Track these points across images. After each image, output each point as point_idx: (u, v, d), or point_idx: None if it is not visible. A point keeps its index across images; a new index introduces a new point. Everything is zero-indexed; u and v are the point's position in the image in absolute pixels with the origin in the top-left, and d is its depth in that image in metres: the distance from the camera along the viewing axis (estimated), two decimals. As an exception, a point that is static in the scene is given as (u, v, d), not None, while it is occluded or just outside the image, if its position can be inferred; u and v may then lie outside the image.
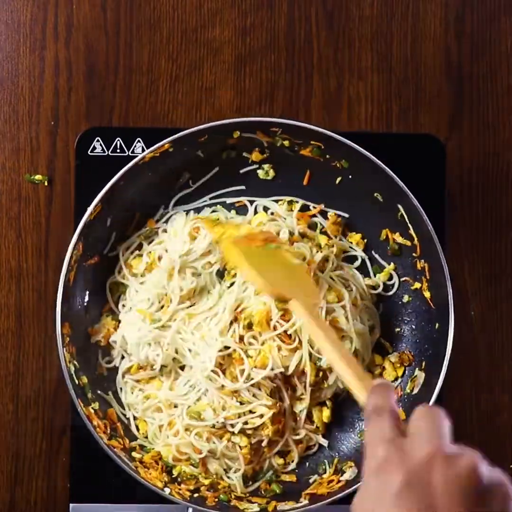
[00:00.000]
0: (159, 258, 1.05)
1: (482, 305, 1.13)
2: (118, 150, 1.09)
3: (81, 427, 1.00)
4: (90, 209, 1.00)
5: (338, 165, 1.06)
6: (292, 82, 1.13)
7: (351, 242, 1.09)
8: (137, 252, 1.07)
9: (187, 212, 1.08)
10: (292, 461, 1.06)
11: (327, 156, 1.05)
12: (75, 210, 1.08)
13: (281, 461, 1.06)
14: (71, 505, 1.07)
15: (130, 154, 1.09)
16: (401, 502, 0.61)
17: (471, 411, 1.12)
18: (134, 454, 1.03)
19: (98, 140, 1.09)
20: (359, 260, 1.09)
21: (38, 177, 1.10)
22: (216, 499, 1.02)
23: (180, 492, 1.01)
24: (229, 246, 1.00)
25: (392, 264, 1.08)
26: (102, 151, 1.09)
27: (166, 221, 1.08)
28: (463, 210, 1.13)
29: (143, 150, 1.07)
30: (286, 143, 1.05)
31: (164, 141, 1.00)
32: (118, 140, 1.09)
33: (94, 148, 1.09)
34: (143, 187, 1.05)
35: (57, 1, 1.12)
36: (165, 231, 1.07)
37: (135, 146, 1.09)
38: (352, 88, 1.14)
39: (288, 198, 1.09)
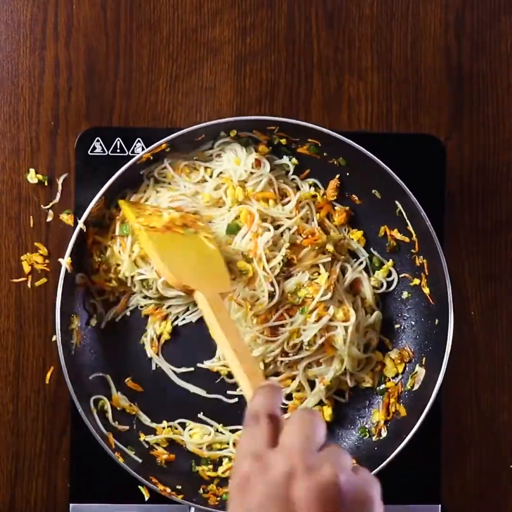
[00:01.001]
0: (217, 176, 1.05)
1: (482, 305, 1.13)
2: (118, 150, 1.09)
3: (81, 427, 1.00)
4: (89, 209, 1.00)
5: (335, 162, 1.06)
6: (292, 82, 1.13)
7: (352, 239, 1.09)
8: (186, 162, 1.06)
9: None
10: None
11: (325, 154, 1.05)
12: (75, 210, 1.08)
13: None
14: (71, 505, 1.07)
15: (130, 154, 1.09)
16: None
17: (471, 411, 1.12)
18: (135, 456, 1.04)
19: (98, 140, 1.09)
20: (364, 264, 1.09)
21: (38, 177, 1.10)
22: (219, 499, 1.02)
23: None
24: (141, 234, 1.00)
25: (390, 260, 1.09)
26: (102, 151, 1.09)
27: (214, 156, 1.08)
28: (463, 210, 1.13)
29: (143, 150, 1.08)
30: (283, 141, 1.06)
31: (161, 141, 1.01)
32: (118, 140, 1.09)
33: (94, 148, 1.09)
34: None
35: (57, 1, 1.12)
36: (219, 155, 1.07)
37: (135, 146, 1.09)
38: (352, 88, 1.14)
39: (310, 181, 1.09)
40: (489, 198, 1.13)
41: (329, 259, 1.05)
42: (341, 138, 1.01)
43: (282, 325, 1.03)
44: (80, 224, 1.01)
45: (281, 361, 1.05)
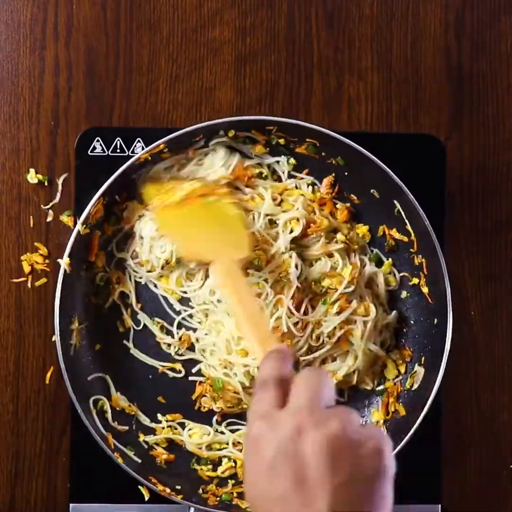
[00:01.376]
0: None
1: (482, 305, 1.13)
2: (118, 150, 1.09)
3: (81, 427, 1.00)
4: (88, 210, 1.01)
5: (334, 162, 1.06)
6: (292, 82, 1.13)
7: (358, 234, 1.09)
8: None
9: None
10: None
11: (323, 153, 1.06)
12: (75, 210, 1.08)
13: None
14: (71, 505, 1.07)
15: (130, 154, 1.09)
16: (274, 479, 0.61)
17: (471, 411, 1.12)
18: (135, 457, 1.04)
19: (98, 140, 1.09)
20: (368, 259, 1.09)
21: (38, 177, 1.10)
22: (218, 499, 1.02)
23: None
24: (159, 213, 1.01)
25: (390, 259, 1.09)
26: (102, 151, 1.09)
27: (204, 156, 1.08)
28: (463, 210, 1.13)
29: (143, 150, 1.08)
30: (281, 141, 1.06)
31: (159, 141, 1.01)
32: (118, 140, 1.09)
33: (94, 148, 1.09)
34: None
35: (57, 1, 1.12)
36: (200, 163, 1.07)
37: (135, 146, 1.09)
38: (352, 88, 1.13)
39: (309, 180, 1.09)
40: (489, 198, 1.13)
41: (341, 245, 1.05)
42: (339, 138, 1.01)
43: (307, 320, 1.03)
44: (79, 225, 1.01)
45: (304, 360, 1.04)
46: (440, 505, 1.09)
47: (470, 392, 1.12)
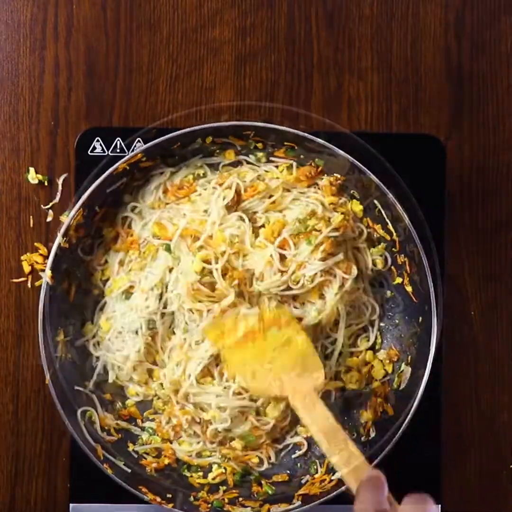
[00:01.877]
0: None
1: (482, 305, 1.13)
2: (118, 150, 1.09)
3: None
4: (67, 223, 1.00)
5: (312, 164, 1.06)
6: (292, 82, 1.13)
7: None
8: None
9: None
10: None
11: (301, 156, 1.05)
12: (75, 210, 1.08)
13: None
14: (71, 505, 1.07)
15: (130, 154, 1.08)
16: None
17: (471, 411, 1.12)
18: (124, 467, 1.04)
19: (98, 140, 1.09)
20: (365, 234, 1.08)
21: (38, 177, 1.10)
22: (209, 506, 1.02)
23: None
24: (226, 356, 1.00)
25: (382, 244, 1.08)
26: (102, 151, 1.09)
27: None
28: (463, 210, 1.13)
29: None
30: (259, 145, 1.06)
31: (136, 150, 1.01)
32: (118, 140, 1.09)
33: (94, 148, 1.09)
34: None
35: (57, 1, 1.12)
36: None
37: (135, 146, 1.09)
38: (352, 88, 1.14)
39: (287, 163, 1.08)
40: (489, 198, 1.13)
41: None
42: (314, 139, 1.00)
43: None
44: (59, 238, 1.00)
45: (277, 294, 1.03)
46: (440, 505, 1.09)
47: (470, 392, 1.13)
